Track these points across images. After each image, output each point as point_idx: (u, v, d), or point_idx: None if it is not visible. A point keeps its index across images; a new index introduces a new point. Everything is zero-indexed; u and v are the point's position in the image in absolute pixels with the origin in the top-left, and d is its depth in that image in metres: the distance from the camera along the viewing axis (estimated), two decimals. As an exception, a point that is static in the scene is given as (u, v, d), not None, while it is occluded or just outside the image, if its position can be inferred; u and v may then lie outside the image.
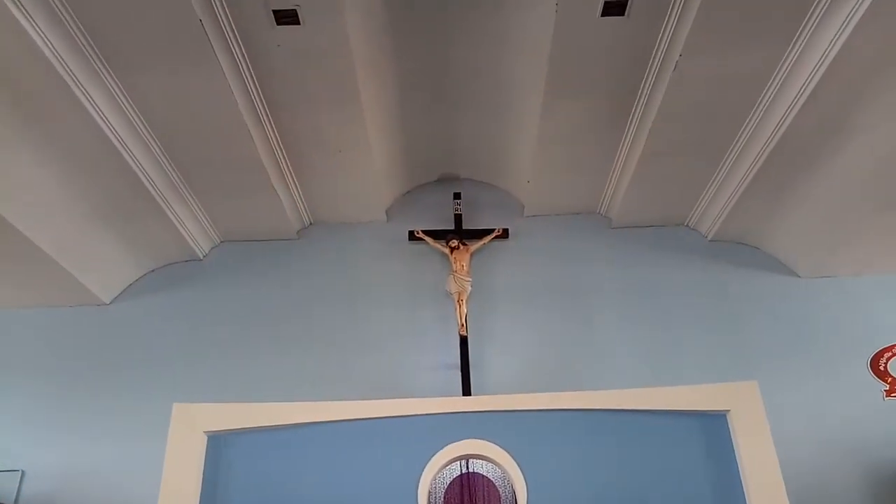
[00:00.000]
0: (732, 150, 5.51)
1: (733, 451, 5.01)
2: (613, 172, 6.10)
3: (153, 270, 6.42)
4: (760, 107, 5.08)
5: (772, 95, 4.96)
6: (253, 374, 5.87)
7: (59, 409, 5.78)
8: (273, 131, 5.43)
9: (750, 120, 5.21)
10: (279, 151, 5.63)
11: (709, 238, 6.48)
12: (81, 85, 4.50)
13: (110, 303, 6.25)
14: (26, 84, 4.38)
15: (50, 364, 5.98)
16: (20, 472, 5.52)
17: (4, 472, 5.49)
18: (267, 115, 5.27)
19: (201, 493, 4.84)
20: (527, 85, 5.39)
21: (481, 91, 5.76)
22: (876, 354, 5.97)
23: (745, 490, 4.88)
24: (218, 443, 5.07)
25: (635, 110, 5.38)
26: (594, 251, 6.50)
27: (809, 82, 4.67)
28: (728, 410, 5.11)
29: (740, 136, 5.36)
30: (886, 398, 5.81)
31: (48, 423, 5.73)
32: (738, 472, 4.95)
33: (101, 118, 4.74)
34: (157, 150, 5.27)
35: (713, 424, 5.14)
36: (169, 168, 5.46)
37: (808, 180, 5.54)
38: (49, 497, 5.44)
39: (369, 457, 5.06)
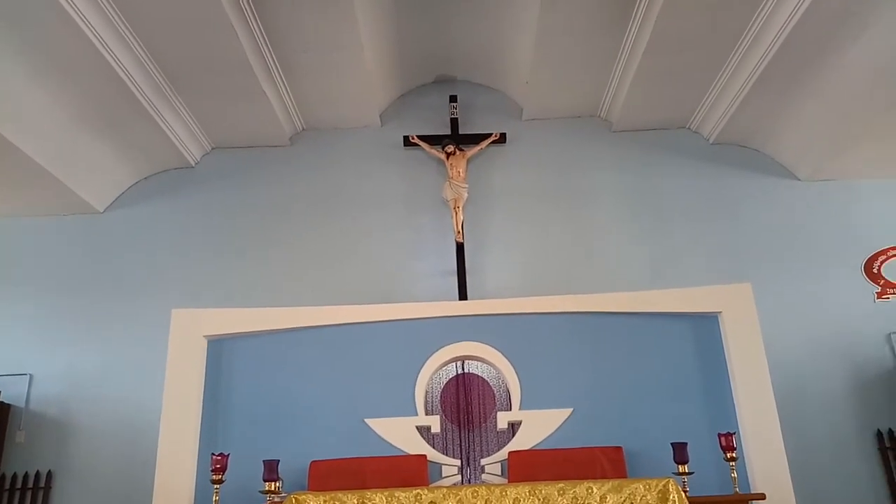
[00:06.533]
0: (740, 45, 5.27)
1: (724, 351, 5.13)
2: (615, 72, 5.88)
3: (145, 178, 6.34)
4: (772, -2, 4.82)
5: (784, -15, 4.70)
6: (249, 280, 5.91)
7: (62, 316, 5.88)
8: (259, 29, 5.18)
9: (760, 12, 4.96)
10: (266, 50, 5.40)
11: (711, 141, 6.35)
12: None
13: (104, 211, 6.21)
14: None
15: (50, 272, 6.02)
16: (28, 376, 5.68)
17: (13, 376, 5.65)
18: (252, 12, 5.02)
19: (203, 395, 5.00)
20: (526, -23, 5.11)
21: (479, -15, 5.48)
22: (870, 257, 5.98)
23: (733, 389, 5.04)
24: (218, 347, 5.18)
25: (639, 3, 5.11)
26: (594, 155, 6.38)
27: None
28: (720, 312, 5.18)
29: (749, 30, 5.12)
30: (877, 300, 5.88)
31: (53, 329, 5.84)
32: (728, 372, 5.08)
33: (82, 19, 4.52)
34: (140, 51, 5.06)
35: (705, 325, 5.23)
36: (154, 70, 5.27)
37: (814, 80, 5.35)
38: (57, 399, 5.63)
39: (368, 360, 5.20)
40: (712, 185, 6.25)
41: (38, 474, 5.42)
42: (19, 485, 5.39)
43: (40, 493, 5.37)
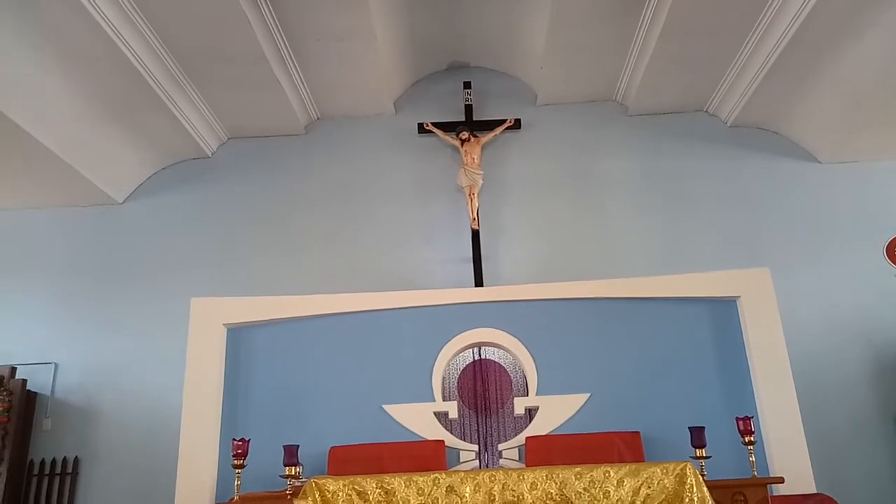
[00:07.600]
0: (758, 26, 5.19)
1: (742, 336, 5.10)
2: (630, 55, 5.81)
3: (163, 169, 6.41)
4: (790, -24, 4.74)
5: (803, -36, 4.62)
6: (266, 269, 5.96)
7: (84, 306, 5.98)
8: (273, 18, 5.19)
9: (777, -6, 4.89)
10: (280, 39, 5.40)
11: (728, 124, 6.27)
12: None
13: (123, 202, 6.29)
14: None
15: (71, 262, 6.12)
16: (54, 365, 5.80)
17: (39, 365, 5.77)
18: (265, 1, 5.03)
19: (224, 383, 5.08)
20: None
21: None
22: (893, 240, 5.89)
23: (751, 373, 5.01)
24: (238, 335, 5.25)
25: (654, -13, 5.06)
26: (609, 140, 6.33)
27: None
28: (738, 297, 5.15)
29: (767, 11, 5.04)
30: (899, 282, 5.81)
31: (76, 318, 5.95)
32: (747, 356, 5.06)
33: (96, 10, 4.56)
34: (155, 41, 5.10)
35: (723, 310, 5.21)
36: (169, 61, 5.31)
37: (833, 61, 5.26)
38: (82, 387, 5.74)
39: (385, 346, 5.24)
40: (730, 168, 6.18)
41: (65, 460, 5.55)
42: (47, 471, 5.52)
43: (68, 479, 5.50)
